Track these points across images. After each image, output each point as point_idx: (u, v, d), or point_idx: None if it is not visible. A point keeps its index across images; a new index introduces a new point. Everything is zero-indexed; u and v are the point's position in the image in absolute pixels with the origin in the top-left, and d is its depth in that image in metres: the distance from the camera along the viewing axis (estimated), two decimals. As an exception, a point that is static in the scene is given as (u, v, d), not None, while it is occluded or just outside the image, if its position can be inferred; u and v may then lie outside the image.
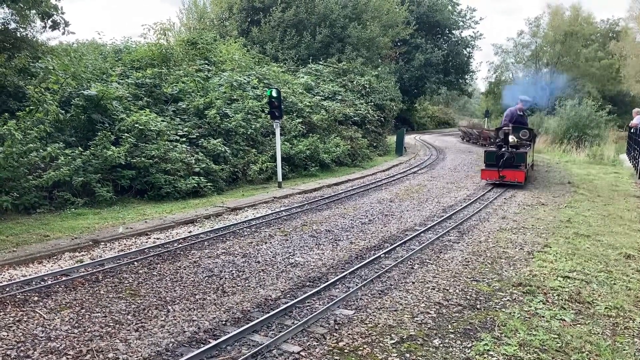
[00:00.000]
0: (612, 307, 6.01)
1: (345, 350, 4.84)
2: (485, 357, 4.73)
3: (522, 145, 15.81)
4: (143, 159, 12.94)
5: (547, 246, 8.64)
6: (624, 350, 5.01)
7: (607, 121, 32.42)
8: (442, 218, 10.89)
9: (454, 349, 4.93)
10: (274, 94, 15.07)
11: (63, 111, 12.70)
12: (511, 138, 15.43)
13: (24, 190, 10.92)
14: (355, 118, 24.16)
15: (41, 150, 11.45)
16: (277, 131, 15.38)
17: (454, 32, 55.54)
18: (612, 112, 35.82)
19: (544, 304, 6.09)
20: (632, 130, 22.69)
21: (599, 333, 5.36)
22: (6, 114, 11.79)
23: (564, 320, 5.63)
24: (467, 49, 56.14)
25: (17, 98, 13.33)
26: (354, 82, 27.35)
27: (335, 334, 5.20)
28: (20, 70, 14.01)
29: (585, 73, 50.36)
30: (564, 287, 6.62)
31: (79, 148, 12.32)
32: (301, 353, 4.79)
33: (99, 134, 12.66)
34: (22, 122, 11.64)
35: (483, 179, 15.59)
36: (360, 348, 4.89)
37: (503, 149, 15.15)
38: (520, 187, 15.15)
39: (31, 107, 12.08)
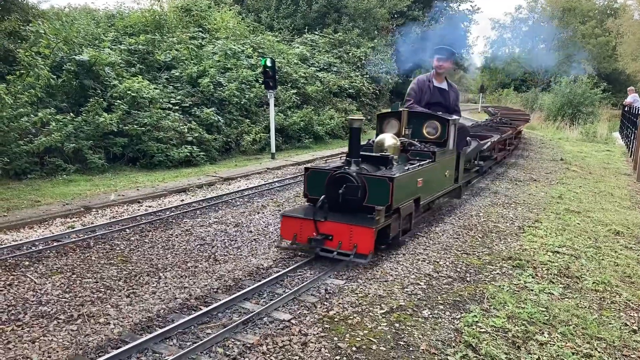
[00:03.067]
0: (599, 282, 6.07)
1: (336, 319, 4.89)
2: (473, 328, 4.78)
3: (420, 154, 7.77)
4: (135, 126, 12.85)
5: (537, 221, 8.70)
6: (609, 324, 5.08)
7: (602, 99, 32.44)
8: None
9: (443, 319, 4.99)
10: (269, 63, 14.92)
11: (54, 76, 12.53)
12: (388, 139, 7.51)
13: (15, 156, 10.83)
14: (350, 90, 24.00)
15: (32, 116, 11.34)
16: (271, 102, 15.27)
17: (451, 5, 54.90)
18: (607, 90, 35.80)
19: (533, 277, 6.15)
20: (625, 109, 22.74)
21: (586, 307, 5.43)
22: (-4, 77, 11.63)
23: (553, 294, 5.70)
24: (464, 23, 55.61)
25: (8, 62, 13.13)
26: (350, 54, 27.09)
27: (325, 303, 5.24)
28: (10, 34, 13.77)
29: (582, 50, 50.16)
30: (553, 262, 6.68)
31: (71, 114, 12.20)
32: (292, 321, 4.82)
33: (91, 100, 12.53)
34: (12, 86, 11.49)
35: (285, 238, 6.60)
36: (351, 317, 4.94)
37: (351, 167, 6.58)
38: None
39: (22, 72, 11.91)
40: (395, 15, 45.86)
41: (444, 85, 9.10)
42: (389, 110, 9.43)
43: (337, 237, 6.20)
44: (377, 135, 8.05)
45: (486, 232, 8.05)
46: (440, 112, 8.64)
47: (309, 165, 7.89)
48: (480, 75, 67.22)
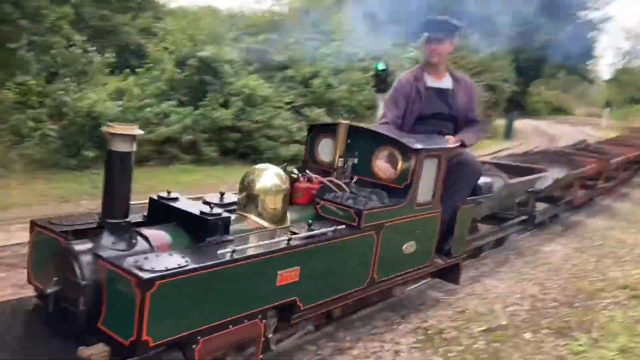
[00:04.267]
0: None
1: (430, 332, 4.75)
2: (579, 358, 4.46)
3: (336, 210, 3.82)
4: (249, 122, 13.31)
5: (662, 250, 7.97)
6: None
7: None
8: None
9: (546, 344, 4.70)
10: (381, 67, 14.85)
11: (179, 70, 13.30)
12: (267, 175, 3.71)
13: (138, 143, 11.62)
14: (463, 97, 23.34)
15: (155, 107, 12.11)
16: (381, 105, 15.20)
17: (579, 12, 51.80)
18: None
19: (652, 311, 5.64)
20: None
21: None
22: (127, 69, 12.56)
23: (674, 331, 5.18)
24: (593, 32, 52.28)
25: (138, 56, 14.14)
26: (466, 60, 26.37)
27: (420, 314, 5.11)
28: (142, 30, 14.82)
29: None
30: (677, 296, 6.08)
31: (190, 107, 12.88)
32: (384, 328, 4.76)
33: (209, 95, 13.14)
34: (140, 78, 12.35)
35: None
36: (446, 331, 4.78)
37: (102, 240, 2.85)
38: None
39: (150, 65, 12.76)
40: (519, 21, 44.09)
41: (447, 83, 5.18)
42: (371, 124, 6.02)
43: None
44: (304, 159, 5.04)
45: (601, 257, 7.49)
46: (437, 132, 4.98)
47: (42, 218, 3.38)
48: (607, 88, 62.88)
